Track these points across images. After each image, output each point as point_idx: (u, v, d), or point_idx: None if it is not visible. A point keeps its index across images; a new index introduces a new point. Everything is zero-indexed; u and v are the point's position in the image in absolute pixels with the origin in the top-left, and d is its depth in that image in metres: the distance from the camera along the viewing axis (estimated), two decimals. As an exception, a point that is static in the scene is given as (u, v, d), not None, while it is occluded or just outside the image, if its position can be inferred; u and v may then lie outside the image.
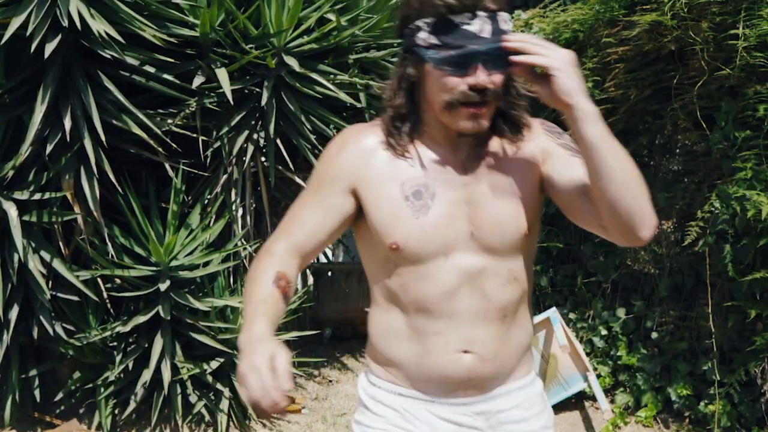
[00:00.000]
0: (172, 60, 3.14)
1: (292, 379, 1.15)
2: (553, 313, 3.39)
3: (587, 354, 3.72)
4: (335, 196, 1.33)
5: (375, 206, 1.30)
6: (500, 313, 1.32)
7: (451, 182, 1.30)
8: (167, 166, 3.26)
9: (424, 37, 1.22)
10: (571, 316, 3.82)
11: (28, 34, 2.77)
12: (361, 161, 1.32)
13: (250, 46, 3.32)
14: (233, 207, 3.50)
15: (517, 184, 1.32)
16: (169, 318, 3.24)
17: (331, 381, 3.97)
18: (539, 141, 1.34)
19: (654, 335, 3.48)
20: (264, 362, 1.07)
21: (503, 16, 1.22)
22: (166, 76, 3.15)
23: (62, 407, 3.47)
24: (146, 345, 3.33)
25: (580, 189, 1.28)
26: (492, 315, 1.31)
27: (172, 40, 3.11)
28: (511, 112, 1.32)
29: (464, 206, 1.29)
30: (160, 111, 3.31)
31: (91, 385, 3.40)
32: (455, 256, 1.29)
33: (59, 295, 3.23)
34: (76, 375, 3.41)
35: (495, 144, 1.33)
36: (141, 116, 3.08)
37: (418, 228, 1.27)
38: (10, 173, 3.03)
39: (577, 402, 3.65)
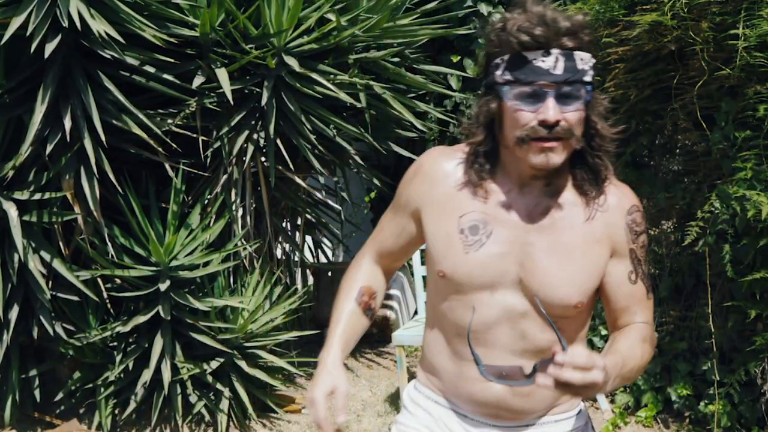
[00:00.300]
0: (172, 60, 3.14)
1: (345, 411, 1.33)
2: (553, 313, 3.38)
3: (587, 354, 3.72)
4: (405, 218, 1.43)
5: (431, 232, 1.36)
6: (537, 355, 1.32)
7: (511, 224, 1.31)
8: (167, 166, 3.26)
9: (500, 73, 1.24)
10: (571, 316, 3.82)
11: (28, 34, 2.77)
12: (429, 187, 1.37)
13: (250, 46, 3.32)
14: (233, 207, 3.50)
15: (579, 252, 1.30)
16: (169, 318, 3.24)
17: (331, 381, 3.96)
18: (617, 231, 1.33)
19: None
20: (322, 397, 1.30)
21: (581, 55, 1.23)
22: (166, 76, 3.15)
23: (62, 407, 3.47)
24: (146, 345, 3.33)
25: (610, 309, 1.37)
26: (529, 354, 1.32)
27: (172, 40, 3.11)
28: (592, 156, 1.30)
29: (518, 250, 1.30)
30: (160, 111, 3.31)
31: (91, 385, 3.40)
32: (501, 293, 1.31)
33: (59, 295, 3.23)
34: (76, 375, 3.41)
35: (570, 200, 1.32)
36: (141, 116, 3.08)
37: (466, 262, 1.30)
38: (10, 173, 3.03)
39: (577, 402, 3.65)
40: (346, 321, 1.44)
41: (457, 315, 1.35)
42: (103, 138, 2.96)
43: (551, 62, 1.20)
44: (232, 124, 3.39)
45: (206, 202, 3.51)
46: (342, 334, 1.42)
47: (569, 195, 1.32)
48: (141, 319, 3.25)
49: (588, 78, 1.24)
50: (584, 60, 1.23)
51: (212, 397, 3.44)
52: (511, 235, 1.30)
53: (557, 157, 1.24)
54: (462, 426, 1.41)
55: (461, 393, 1.38)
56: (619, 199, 1.34)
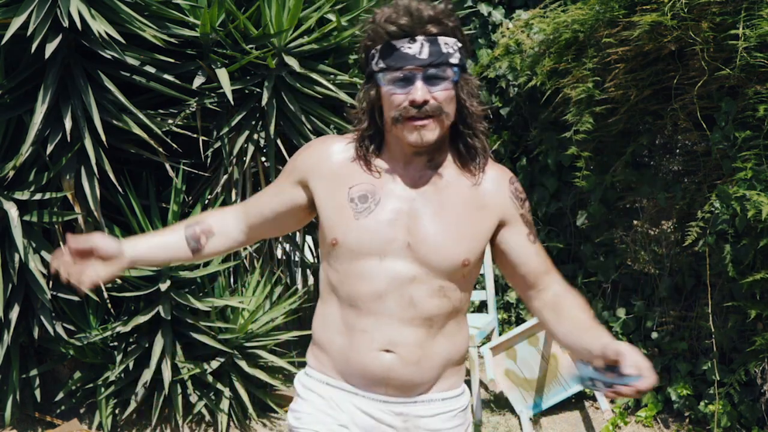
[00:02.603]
0: (173, 60, 3.14)
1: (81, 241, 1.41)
2: (553, 313, 3.38)
3: (587, 354, 3.71)
4: (288, 185, 1.50)
5: (323, 203, 1.44)
6: (426, 322, 1.40)
7: (398, 193, 1.41)
8: (167, 166, 3.26)
9: (375, 63, 1.38)
10: (571, 316, 3.82)
11: (28, 34, 2.77)
12: (319, 160, 1.47)
13: (251, 46, 3.32)
14: (233, 207, 3.50)
15: (463, 215, 1.41)
16: (169, 318, 3.25)
17: (331, 381, 3.97)
18: (503, 200, 1.44)
19: (654, 335, 3.48)
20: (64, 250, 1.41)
21: (445, 39, 1.34)
22: (166, 76, 3.16)
23: (63, 407, 3.47)
24: (147, 345, 3.33)
25: (522, 275, 1.47)
26: (417, 322, 1.39)
27: (172, 40, 3.11)
28: (467, 134, 1.41)
29: (405, 217, 1.39)
30: (161, 111, 3.31)
31: (91, 385, 3.40)
32: (389, 261, 1.38)
33: (60, 295, 3.23)
34: (77, 375, 3.42)
35: (452, 173, 1.43)
36: (141, 116, 3.08)
37: (357, 228, 1.39)
38: (11, 173, 3.03)
39: (577, 402, 3.65)
40: (161, 233, 1.55)
41: (348, 285, 1.41)
42: (103, 138, 2.96)
43: (417, 48, 1.32)
44: (233, 124, 3.39)
45: (206, 202, 3.51)
46: (146, 237, 1.55)
47: (451, 168, 1.44)
48: (141, 319, 3.25)
49: (454, 60, 1.34)
50: (449, 44, 1.34)
51: (212, 397, 3.44)
52: (398, 204, 1.40)
53: (430, 134, 1.35)
54: (352, 404, 1.45)
55: (352, 365, 1.43)
56: (498, 171, 1.46)
